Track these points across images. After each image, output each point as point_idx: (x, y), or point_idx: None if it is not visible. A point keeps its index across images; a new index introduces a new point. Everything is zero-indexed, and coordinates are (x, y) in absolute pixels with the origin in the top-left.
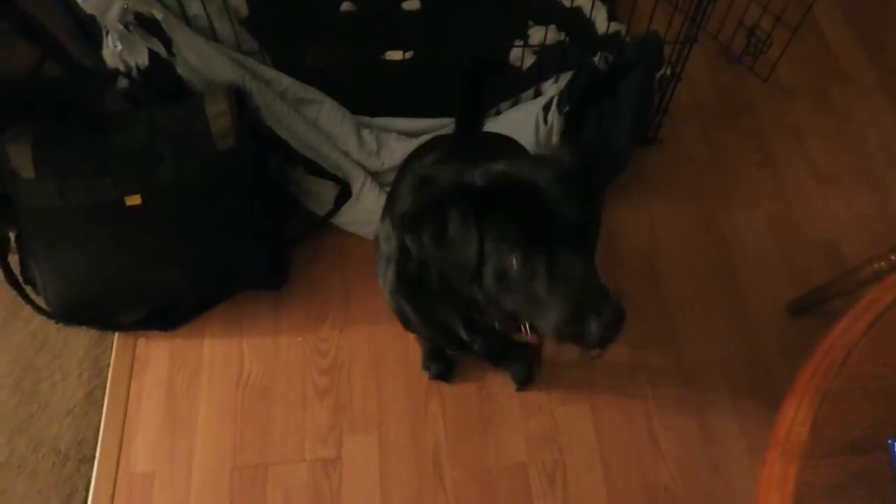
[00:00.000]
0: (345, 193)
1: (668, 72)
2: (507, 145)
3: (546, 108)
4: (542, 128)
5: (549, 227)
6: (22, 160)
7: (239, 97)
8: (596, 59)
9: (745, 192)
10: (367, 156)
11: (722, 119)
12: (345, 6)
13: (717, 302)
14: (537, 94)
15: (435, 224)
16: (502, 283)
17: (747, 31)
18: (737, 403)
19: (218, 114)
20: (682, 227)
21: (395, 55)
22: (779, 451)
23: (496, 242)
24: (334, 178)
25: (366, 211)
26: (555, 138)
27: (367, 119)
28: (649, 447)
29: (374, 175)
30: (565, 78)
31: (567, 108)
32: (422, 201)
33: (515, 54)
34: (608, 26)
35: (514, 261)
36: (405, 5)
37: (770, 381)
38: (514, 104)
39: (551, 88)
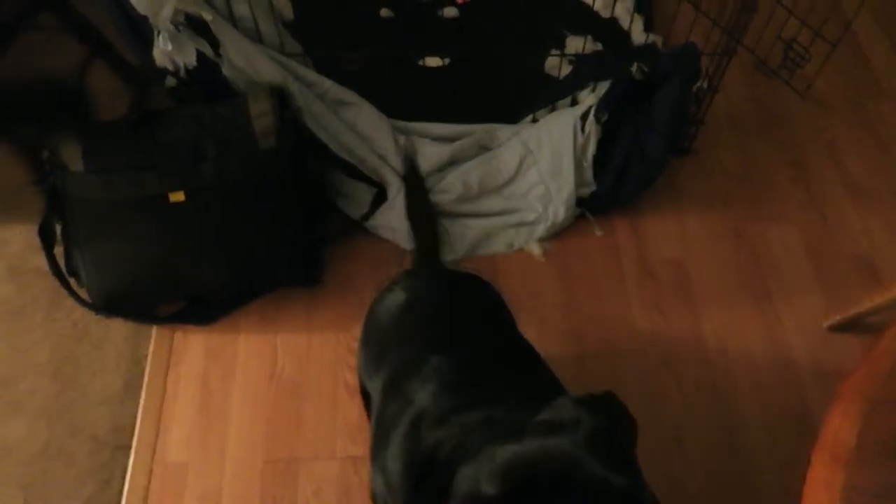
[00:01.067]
0: (380, 197)
1: (705, 84)
2: (484, 297)
3: (583, 117)
4: (580, 136)
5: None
6: (71, 153)
7: (281, 98)
8: (632, 69)
9: (778, 205)
10: (402, 161)
11: (757, 132)
12: (383, 12)
13: (748, 315)
14: (574, 102)
15: None
16: None
17: (785, 44)
18: (767, 413)
19: (260, 114)
20: (713, 238)
21: (432, 61)
22: (826, 454)
23: None
24: (371, 182)
25: (399, 216)
26: (591, 147)
27: (402, 123)
28: (678, 451)
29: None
30: (603, 87)
31: (605, 118)
32: None
33: (551, 63)
34: (645, 37)
35: None
36: (442, 12)
37: (800, 392)
38: (551, 111)
39: (589, 97)
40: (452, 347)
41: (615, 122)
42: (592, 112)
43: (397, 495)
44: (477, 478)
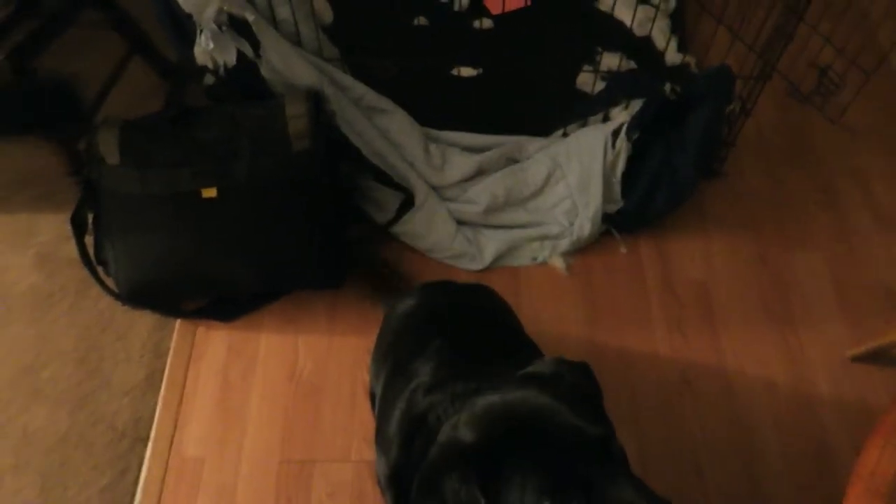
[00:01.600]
0: (408, 204)
1: (738, 107)
2: (488, 300)
3: (615, 134)
4: (610, 152)
5: (573, 459)
6: (109, 147)
7: (317, 101)
8: (666, 89)
9: (805, 231)
10: (431, 170)
11: (787, 157)
12: (419, 20)
13: (770, 340)
14: (606, 119)
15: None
16: None
17: (819, 71)
18: (785, 439)
19: (296, 116)
20: (738, 261)
21: (465, 71)
22: (863, 488)
23: (517, 500)
24: (400, 188)
25: (424, 225)
26: (621, 164)
27: (434, 132)
28: (695, 480)
29: (436, 189)
30: (636, 105)
31: (636, 136)
32: (415, 482)
33: (584, 79)
34: (679, 58)
35: None
36: (477, 23)
37: (821, 421)
38: (582, 126)
39: (621, 114)
40: (455, 335)
41: (646, 141)
42: (624, 129)
43: (391, 453)
44: (456, 425)
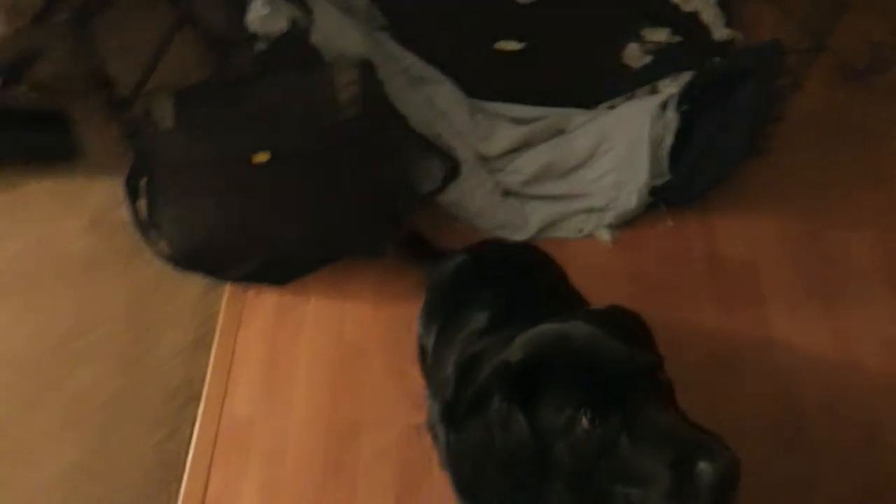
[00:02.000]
0: (454, 173)
1: (786, 82)
2: (538, 256)
3: (663, 106)
4: (658, 125)
5: (617, 382)
6: (164, 112)
7: (366, 70)
8: (714, 63)
9: (855, 209)
10: (478, 140)
11: (836, 133)
12: None
13: (818, 319)
14: (653, 91)
15: (477, 422)
16: (579, 463)
17: (872, 47)
18: (833, 418)
19: (345, 83)
20: (786, 238)
21: (507, 45)
22: None
23: (555, 415)
24: (446, 157)
25: (469, 194)
26: (669, 137)
27: (481, 103)
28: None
29: (483, 160)
30: (684, 78)
31: (684, 108)
32: (464, 401)
33: (630, 53)
34: (726, 34)
35: (583, 424)
36: None
37: (870, 402)
38: (629, 99)
39: (669, 87)
40: (508, 287)
41: (692, 115)
42: (674, 102)
43: (446, 393)
44: (506, 353)
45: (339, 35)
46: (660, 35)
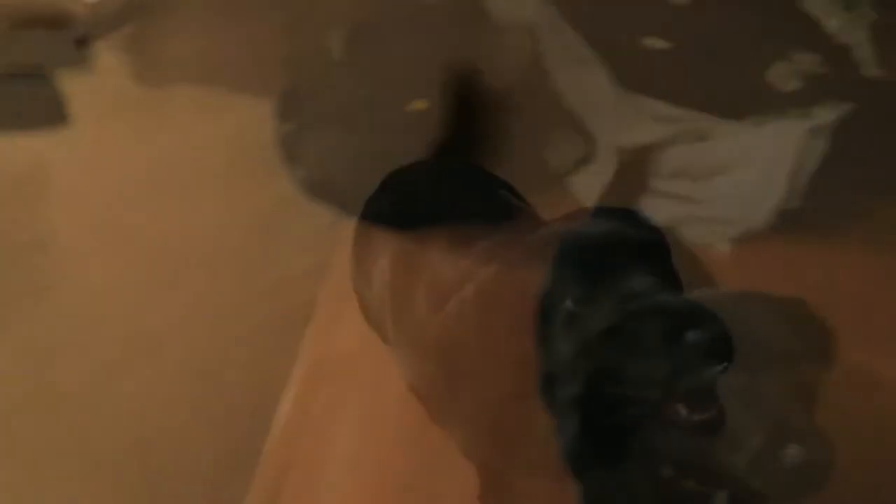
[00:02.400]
0: (587, 158)
1: None
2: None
3: (812, 131)
4: (803, 150)
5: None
6: (335, 42)
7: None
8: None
9: None
10: (620, 129)
11: None
12: None
13: None
14: (804, 116)
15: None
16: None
17: None
18: None
19: (514, 48)
20: None
21: (658, 43)
22: None
23: (698, 360)
24: (584, 137)
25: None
26: (812, 163)
27: (629, 94)
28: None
29: (619, 152)
30: (842, 108)
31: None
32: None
33: (775, 71)
34: (881, 72)
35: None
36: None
37: None
38: (777, 119)
39: (823, 112)
40: None
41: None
42: (826, 131)
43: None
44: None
45: None
46: (809, 61)
